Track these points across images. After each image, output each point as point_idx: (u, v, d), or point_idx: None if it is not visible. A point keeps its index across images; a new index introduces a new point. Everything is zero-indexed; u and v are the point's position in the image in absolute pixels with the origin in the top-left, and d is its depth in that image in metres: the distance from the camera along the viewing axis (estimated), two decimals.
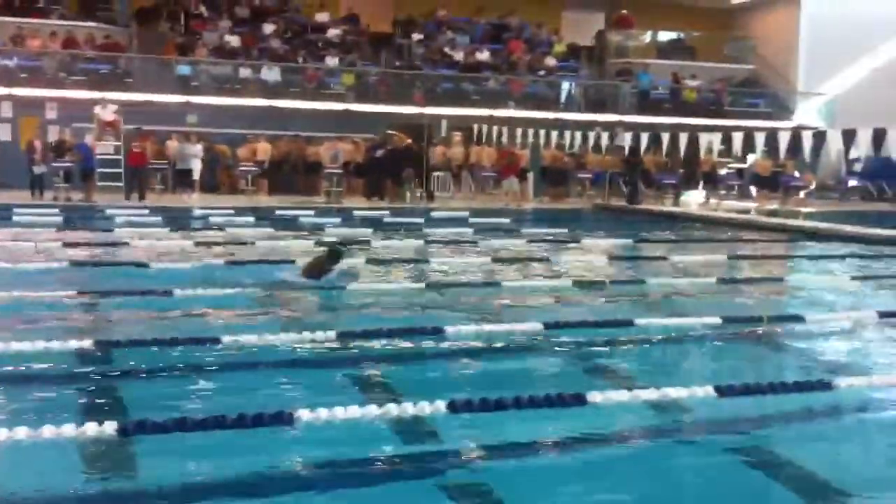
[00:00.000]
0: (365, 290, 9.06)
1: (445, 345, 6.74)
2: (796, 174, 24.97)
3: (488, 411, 5.04)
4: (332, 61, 27.14)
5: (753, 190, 25.83)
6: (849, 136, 15.81)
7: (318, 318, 7.91)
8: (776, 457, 4.84)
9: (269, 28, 27.91)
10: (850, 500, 4.29)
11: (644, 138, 23.33)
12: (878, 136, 14.90)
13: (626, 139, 23.42)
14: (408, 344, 6.74)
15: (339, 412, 4.62)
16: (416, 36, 29.36)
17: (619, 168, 24.17)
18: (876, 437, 5.35)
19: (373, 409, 4.79)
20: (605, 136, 23.95)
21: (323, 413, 4.60)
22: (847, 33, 28.73)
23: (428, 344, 6.74)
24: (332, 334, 6.62)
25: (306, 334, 6.58)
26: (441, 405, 4.89)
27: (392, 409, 4.84)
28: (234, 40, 26.80)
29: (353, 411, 4.72)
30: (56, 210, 17.06)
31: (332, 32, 28.63)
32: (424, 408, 4.90)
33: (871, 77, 30.13)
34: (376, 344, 6.70)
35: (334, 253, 9.31)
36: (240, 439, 4.54)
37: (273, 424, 4.55)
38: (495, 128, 25.20)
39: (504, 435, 4.88)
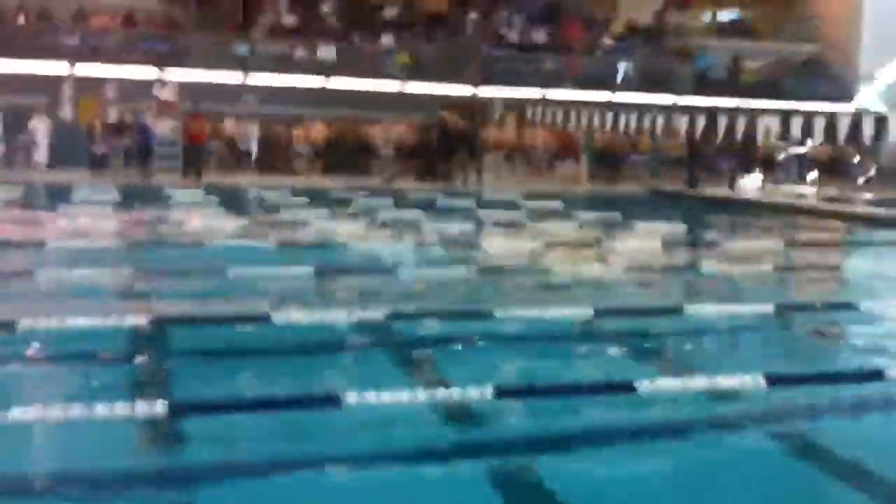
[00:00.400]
0: (417, 274, 9.10)
1: (495, 329, 6.76)
2: (856, 159, 24.44)
3: (536, 397, 5.07)
4: (387, 40, 27.17)
5: (812, 175, 25.35)
6: None
7: (370, 300, 7.97)
8: (825, 447, 4.78)
9: (325, 7, 28.02)
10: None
11: (700, 121, 23.00)
12: None
13: (683, 122, 23.10)
14: (458, 327, 6.78)
15: (387, 396, 4.67)
16: (472, 15, 29.23)
17: (678, 151, 23.85)
18: None
19: (420, 394, 4.84)
20: (660, 119, 23.67)
21: (371, 396, 4.65)
22: None
23: (478, 328, 6.76)
24: (380, 316, 6.67)
25: (357, 315, 6.65)
26: (488, 391, 4.91)
27: (440, 393, 4.87)
28: (290, 20, 26.97)
29: (401, 395, 4.77)
30: (116, 189, 17.34)
31: (388, 12, 28.67)
32: (472, 393, 4.93)
33: None
34: (427, 327, 6.74)
35: None
36: (289, 420, 4.61)
37: (322, 406, 4.62)
38: (549, 109, 25.01)
39: (552, 422, 4.89)
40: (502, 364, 6.06)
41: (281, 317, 6.48)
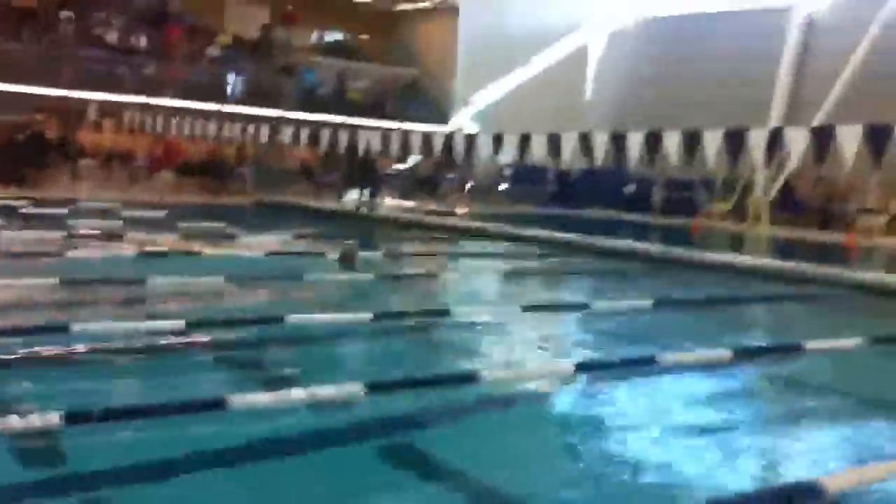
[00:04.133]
0: None
1: (73, 345, 6.01)
2: (453, 176, 26.03)
3: (115, 420, 4.50)
4: None
5: (413, 190, 26.59)
6: (497, 141, 16.57)
7: None
8: (425, 453, 4.71)
9: None
10: (496, 494, 4.23)
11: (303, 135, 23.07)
12: (524, 141, 15.74)
13: (288, 135, 22.95)
14: (29, 343, 5.94)
15: None
16: (66, 13, 27.16)
17: (289, 164, 23.82)
18: (519, 429, 5.39)
19: None
20: (266, 132, 23.38)
21: None
22: (502, 45, 30.47)
23: (52, 343, 5.97)
24: None
25: None
26: (55, 417, 4.26)
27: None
28: None
29: None
30: None
31: None
32: (36, 420, 4.25)
33: (522, 87, 32.10)
34: None
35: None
36: None
37: None
38: (152, 116, 23.87)
39: (134, 448, 4.34)
40: (77, 386, 5.36)
41: None
